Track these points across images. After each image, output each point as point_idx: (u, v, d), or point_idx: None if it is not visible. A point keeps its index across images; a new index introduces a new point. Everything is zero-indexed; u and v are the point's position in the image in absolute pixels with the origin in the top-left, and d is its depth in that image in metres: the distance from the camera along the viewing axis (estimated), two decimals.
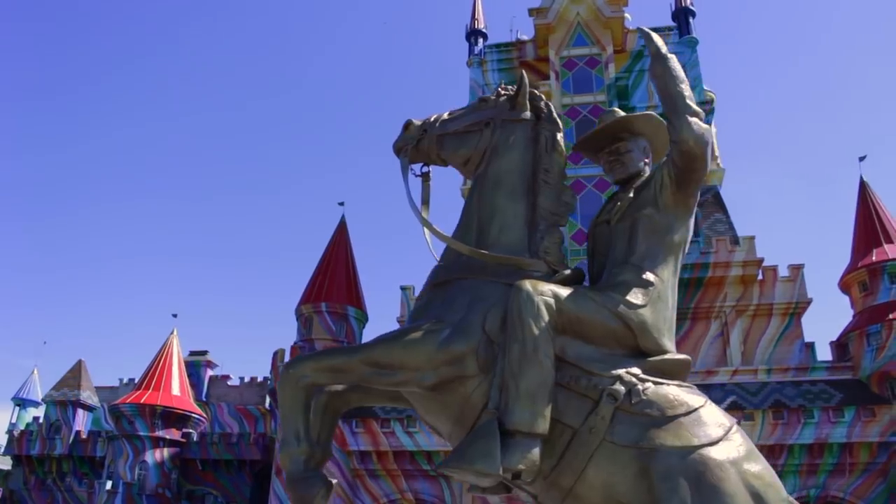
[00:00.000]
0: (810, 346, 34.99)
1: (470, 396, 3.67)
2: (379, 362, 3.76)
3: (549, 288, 3.68)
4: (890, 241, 35.70)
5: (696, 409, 3.48)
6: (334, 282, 39.25)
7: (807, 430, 32.16)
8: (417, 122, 4.54)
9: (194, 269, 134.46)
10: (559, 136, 4.34)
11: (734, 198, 54.36)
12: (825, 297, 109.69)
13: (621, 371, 3.55)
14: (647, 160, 4.23)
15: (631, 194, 4.05)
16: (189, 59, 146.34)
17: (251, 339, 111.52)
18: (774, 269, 36.26)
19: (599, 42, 41.12)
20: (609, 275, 3.89)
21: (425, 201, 4.52)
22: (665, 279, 3.83)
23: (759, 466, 3.40)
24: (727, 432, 3.44)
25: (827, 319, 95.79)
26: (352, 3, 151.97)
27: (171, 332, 46.97)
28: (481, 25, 46.11)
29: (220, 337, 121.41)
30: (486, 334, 3.70)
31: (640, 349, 3.67)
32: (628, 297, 3.69)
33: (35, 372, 55.61)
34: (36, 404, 52.55)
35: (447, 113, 4.56)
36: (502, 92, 4.50)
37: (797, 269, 36.22)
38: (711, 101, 41.53)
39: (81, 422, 48.74)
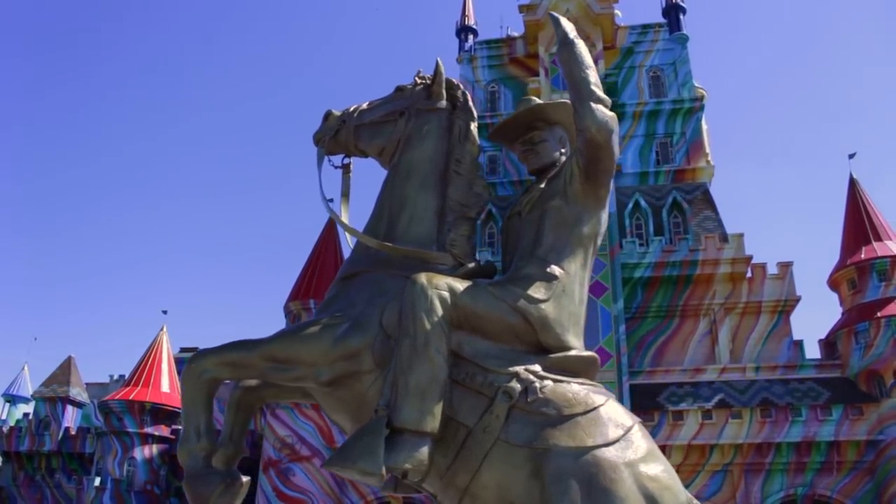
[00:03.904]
0: (799, 344, 34.93)
1: (366, 393, 3.56)
2: (276, 357, 3.67)
3: (445, 281, 3.55)
4: (879, 239, 35.64)
5: (594, 409, 3.34)
6: (323, 278, 39.10)
7: (795, 428, 32.10)
8: (337, 112, 4.47)
9: (184, 266, 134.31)
10: (473, 125, 4.22)
11: (723, 195, 54.33)
12: (814, 294, 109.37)
13: (519, 368, 3.40)
14: (563, 150, 4.09)
15: (543, 185, 3.92)
16: (179, 60, 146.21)
17: (241, 335, 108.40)
18: (763, 266, 36.18)
19: (589, 39, 40.87)
20: (514, 268, 3.76)
21: (345, 193, 4.45)
22: (572, 273, 3.68)
23: (657, 468, 3.26)
24: (626, 432, 3.30)
25: (815, 317, 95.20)
26: (341, 3, 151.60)
27: (161, 329, 46.83)
28: (471, 22, 46.00)
29: (210, 333, 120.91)
30: (384, 329, 3.58)
31: (541, 345, 3.53)
32: (529, 292, 3.54)
33: (25, 368, 55.56)
34: (26, 400, 52.42)
35: (367, 103, 4.46)
36: (419, 81, 4.38)
37: (786, 267, 36.14)
38: (702, 98, 41.43)
39: (71, 418, 48.60)
